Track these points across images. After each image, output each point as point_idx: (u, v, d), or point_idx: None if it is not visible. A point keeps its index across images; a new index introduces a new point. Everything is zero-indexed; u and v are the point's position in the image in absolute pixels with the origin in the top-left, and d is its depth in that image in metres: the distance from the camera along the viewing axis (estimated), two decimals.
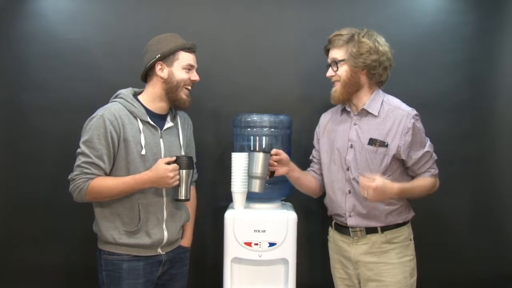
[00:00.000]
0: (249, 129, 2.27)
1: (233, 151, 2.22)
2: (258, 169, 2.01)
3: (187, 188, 1.95)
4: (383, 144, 2.00)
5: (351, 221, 2.06)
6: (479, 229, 2.52)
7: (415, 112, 2.04)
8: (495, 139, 2.54)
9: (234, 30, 2.50)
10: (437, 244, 2.49)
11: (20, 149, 2.44)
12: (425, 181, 2.05)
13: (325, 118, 2.21)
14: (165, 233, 1.99)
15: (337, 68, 2.03)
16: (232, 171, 2.13)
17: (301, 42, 2.47)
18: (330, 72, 2.07)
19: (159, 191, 1.98)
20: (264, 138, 2.27)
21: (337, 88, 2.05)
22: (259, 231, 2.09)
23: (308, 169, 2.24)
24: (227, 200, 2.25)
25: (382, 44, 2.04)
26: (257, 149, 2.14)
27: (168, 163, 1.90)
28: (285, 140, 2.30)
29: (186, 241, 2.16)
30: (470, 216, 2.53)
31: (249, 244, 2.09)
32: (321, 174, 2.18)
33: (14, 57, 2.44)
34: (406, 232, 2.08)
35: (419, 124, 2.04)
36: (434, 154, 2.08)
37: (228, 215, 2.12)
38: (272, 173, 2.06)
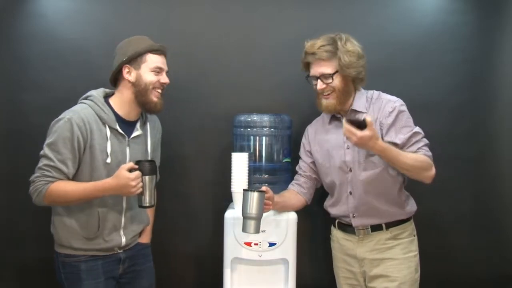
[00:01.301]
0: (249, 129, 2.27)
1: (233, 151, 2.22)
2: (253, 209, 1.90)
3: (152, 194, 1.89)
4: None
5: (355, 222, 2.07)
6: (479, 229, 2.52)
7: (399, 100, 2.04)
8: (495, 139, 2.54)
9: (234, 30, 2.50)
10: (437, 244, 2.48)
11: (20, 149, 2.44)
12: (417, 155, 1.95)
13: (312, 129, 2.22)
14: (123, 239, 1.97)
15: (332, 80, 2.01)
16: (232, 171, 2.13)
17: (301, 42, 2.46)
18: (321, 85, 2.02)
19: (118, 198, 1.94)
20: (264, 138, 2.27)
21: (331, 100, 2.03)
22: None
23: (293, 182, 2.23)
24: (227, 200, 2.25)
25: (360, 46, 2.03)
26: (251, 189, 1.98)
27: (130, 170, 1.83)
28: (285, 140, 2.30)
29: (145, 238, 2.13)
30: (470, 216, 2.53)
31: (249, 244, 2.09)
32: (307, 188, 2.18)
33: (14, 57, 2.44)
34: (410, 228, 2.10)
35: (404, 109, 2.01)
36: (425, 139, 2.01)
37: (228, 215, 2.13)
38: None
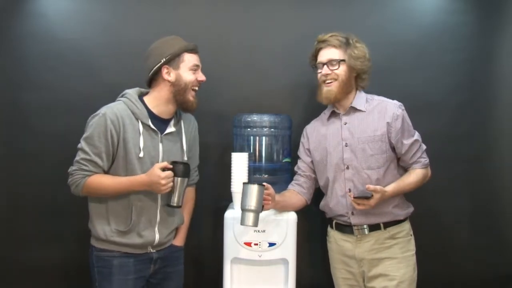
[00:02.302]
0: (249, 129, 2.27)
1: (233, 151, 2.22)
2: (253, 202, 1.91)
3: (180, 195, 1.94)
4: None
5: (354, 220, 2.08)
6: (479, 229, 2.52)
7: (400, 103, 2.11)
8: (495, 139, 2.54)
9: (234, 31, 2.50)
10: (437, 244, 2.49)
11: (20, 149, 2.44)
12: (416, 175, 2.08)
13: (310, 128, 2.24)
14: (157, 236, 2.00)
15: (338, 67, 2.05)
16: (232, 171, 2.13)
17: (301, 42, 2.46)
18: (326, 70, 2.07)
19: (154, 195, 1.97)
20: (264, 138, 2.27)
21: (332, 88, 2.07)
22: (259, 231, 2.08)
23: (292, 182, 2.24)
24: (227, 200, 2.25)
25: (368, 52, 2.10)
26: (252, 182, 1.99)
27: (164, 169, 1.89)
28: (285, 140, 2.30)
29: (179, 241, 2.14)
30: (470, 216, 2.53)
31: (249, 244, 2.09)
32: (307, 188, 2.20)
33: (14, 57, 2.44)
34: (407, 227, 2.12)
35: (405, 114, 2.10)
36: (423, 145, 2.12)
37: (228, 215, 2.13)
38: (262, 207, 1.98)
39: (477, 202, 2.53)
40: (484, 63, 2.53)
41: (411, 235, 2.12)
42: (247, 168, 2.11)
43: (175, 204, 1.94)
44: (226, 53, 2.49)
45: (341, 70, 2.06)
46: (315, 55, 2.14)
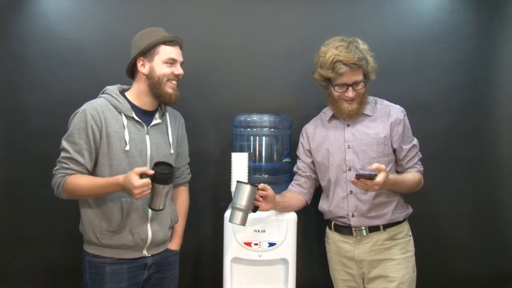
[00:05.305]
0: (249, 129, 2.27)
1: (233, 151, 2.22)
2: (243, 201, 1.90)
3: (161, 199, 1.82)
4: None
5: (354, 221, 2.08)
6: (479, 229, 2.52)
7: (402, 108, 2.14)
8: (495, 139, 2.54)
9: (234, 30, 2.50)
10: (437, 244, 2.49)
11: (20, 149, 2.44)
12: (413, 175, 2.09)
13: (310, 128, 2.22)
14: (149, 233, 1.95)
15: (362, 88, 2.04)
16: (232, 171, 2.13)
17: (301, 42, 2.47)
18: (352, 93, 2.02)
19: None
20: (264, 138, 2.27)
21: (355, 105, 2.05)
22: (259, 231, 2.08)
23: (292, 182, 2.24)
24: (227, 200, 2.25)
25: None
26: (246, 181, 2.00)
27: (142, 175, 1.76)
28: (285, 140, 2.30)
29: (175, 244, 2.10)
30: (470, 216, 2.53)
31: (249, 244, 2.09)
32: (307, 188, 2.19)
33: (13, 57, 2.44)
34: (406, 228, 2.13)
35: (407, 120, 2.12)
36: (419, 152, 2.15)
37: (228, 215, 2.12)
38: (255, 207, 1.98)
39: (477, 202, 2.53)
40: (484, 63, 2.53)
41: (410, 236, 2.12)
42: (247, 168, 2.11)
43: (156, 208, 1.84)
44: (227, 53, 2.49)
45: (363, 88, 2.05)
46: (332, 69, 1.99)
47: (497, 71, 2.54)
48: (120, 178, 1.80)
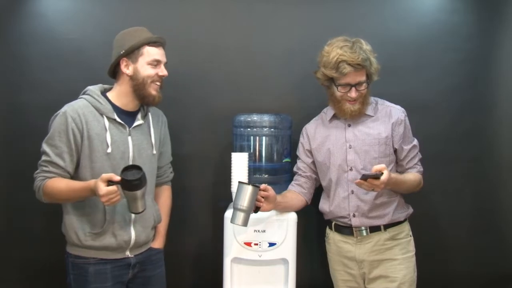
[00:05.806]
0: (249, 129, 2.27)
1: (233, 151, 2.22)
2: (245, 202, 1.90)
3: (139, 203, 1.78)
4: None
5: (355, 221, 2.08)
6: (479, 229, 2.52)
7: (403, 109, 2.14)
8: (495, 139, 2.54)
9: (234, 30, 2.50)
10: (437, 244, 2.49)
11: (20, 149, 2.44)
12: (414, 176, 2.10)
13: (311, 128, 2.22)
14: (132, 235, 1.93)
15: (365, 88, 2.04)
16: (232, 171, 2.12)
17: (301, 42, 2.47)
18: (355, 93, 2.02)
19: None
20: (264, 138, 2.27)
21: (357, 105, 2.05)
22: (259, 231, 2.09)
23: (292, 182, 2.23)
24: (227, 200, 2.25)
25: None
26: (248, 182, 2.00)
27: (109, 182, 1.71)
28: (285, 140, 2.30)
29: (158, 243, 2.09)
30: (470, 216, 2.53)
31: (249, 244, 2.09)
32: (307, 188, 2.19)
33: (13, 57, 2.44)
34: (407, 228, 2.13)
35: (408, 121, 2.13)
36: (419, 153, 2.15)
37: (228, 215, 2.11)
38: (257, 208, 1.98)
39: (477, 202, 2.53)
40: (484, 63, 2.53)
41: (410, 236, 2.12)
42: (247, 168, 2.11)
43: (136, 212, 1.80)
44: (226, 53, 2.49)
45: (365, 88, 2.05)
46: (336, 68, 1.99)
47: (497, 71, 2.54)
48: (91, 183, 1.76)
